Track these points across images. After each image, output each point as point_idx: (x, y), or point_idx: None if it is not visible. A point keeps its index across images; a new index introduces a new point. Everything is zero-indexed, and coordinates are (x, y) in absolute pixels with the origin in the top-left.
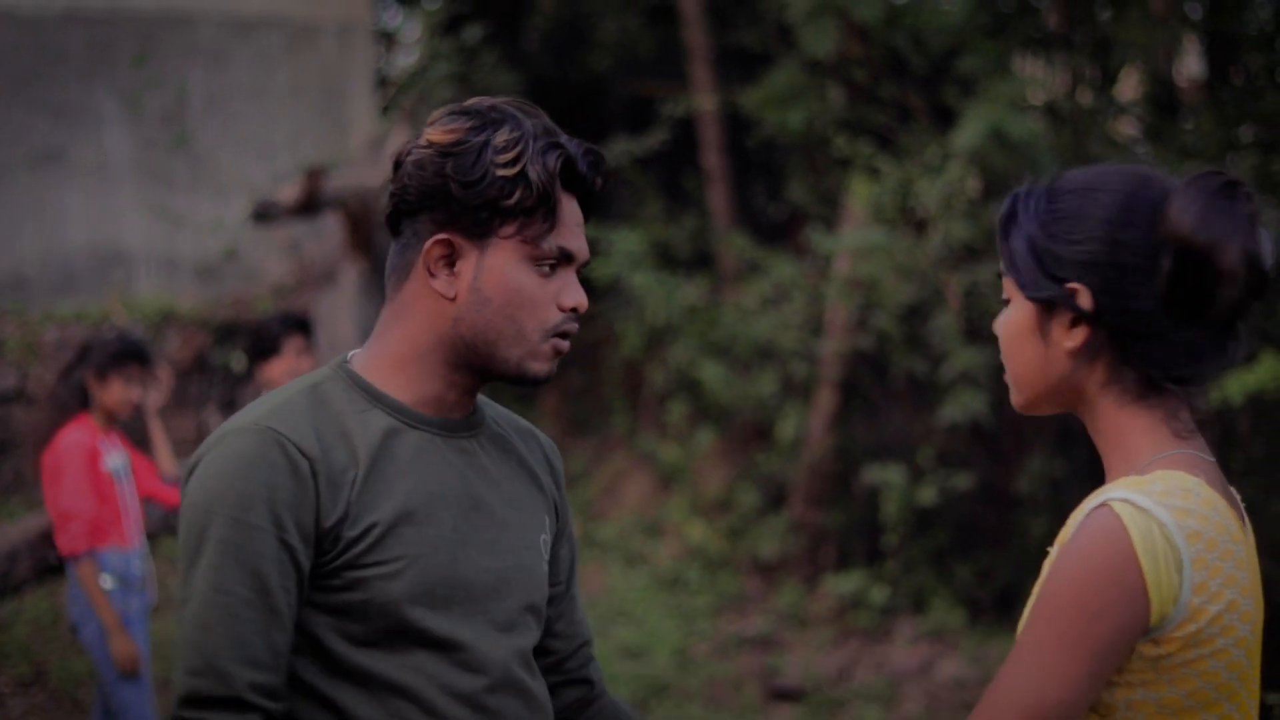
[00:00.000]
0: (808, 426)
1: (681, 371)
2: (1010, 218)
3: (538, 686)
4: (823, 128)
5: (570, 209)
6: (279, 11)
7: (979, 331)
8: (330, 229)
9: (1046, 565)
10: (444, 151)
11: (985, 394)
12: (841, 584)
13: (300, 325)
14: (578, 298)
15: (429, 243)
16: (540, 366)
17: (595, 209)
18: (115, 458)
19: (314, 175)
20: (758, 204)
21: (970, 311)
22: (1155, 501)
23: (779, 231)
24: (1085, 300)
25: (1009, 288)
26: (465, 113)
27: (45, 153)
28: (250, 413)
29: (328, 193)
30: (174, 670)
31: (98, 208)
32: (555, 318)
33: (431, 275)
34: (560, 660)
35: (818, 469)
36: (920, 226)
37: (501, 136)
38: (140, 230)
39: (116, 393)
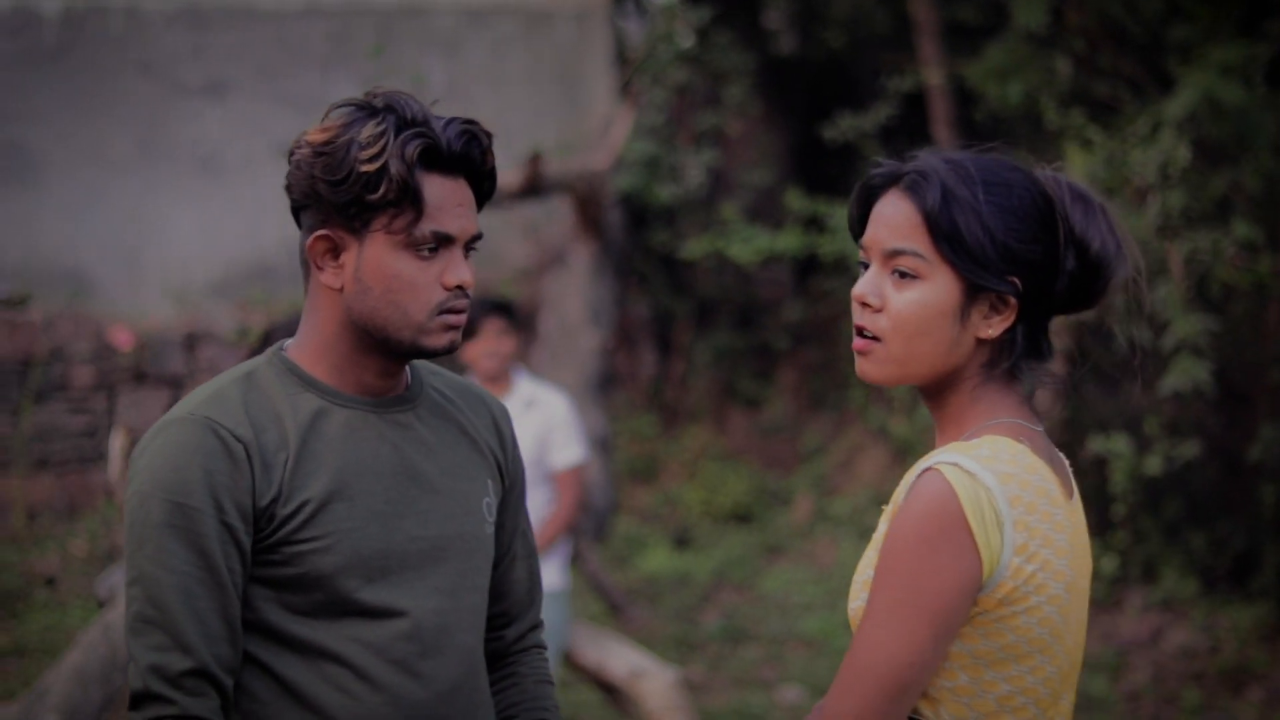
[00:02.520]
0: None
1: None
2: (949, 201)
3: (478, 648)
4: (1041, 99)
5: (446, 191)
6: None
7: (1201, 299)
8: (566, 212)
9: (879, 530)
10: (317, 151)
11: (1207, 362)
12: None
13: (499, 308)
14: (460, 276)
15: (311, 239)
16: (434, 341)
17: (485, 185)
18: None
19: (535, 160)
20: None
21: (1191, 279)
22: (980, 465)
23: None
24: (1017, 291)
25: (924, 268)
26: (346, 108)
27: (288, 143)
28: (187, 403)
29: (551, 177)
30: (131, 650)
31: None
32: (439, 297)
33: (319, 269)
34: (510, 620)
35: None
36: (1141, 196)
37: (366, 132)
38: None
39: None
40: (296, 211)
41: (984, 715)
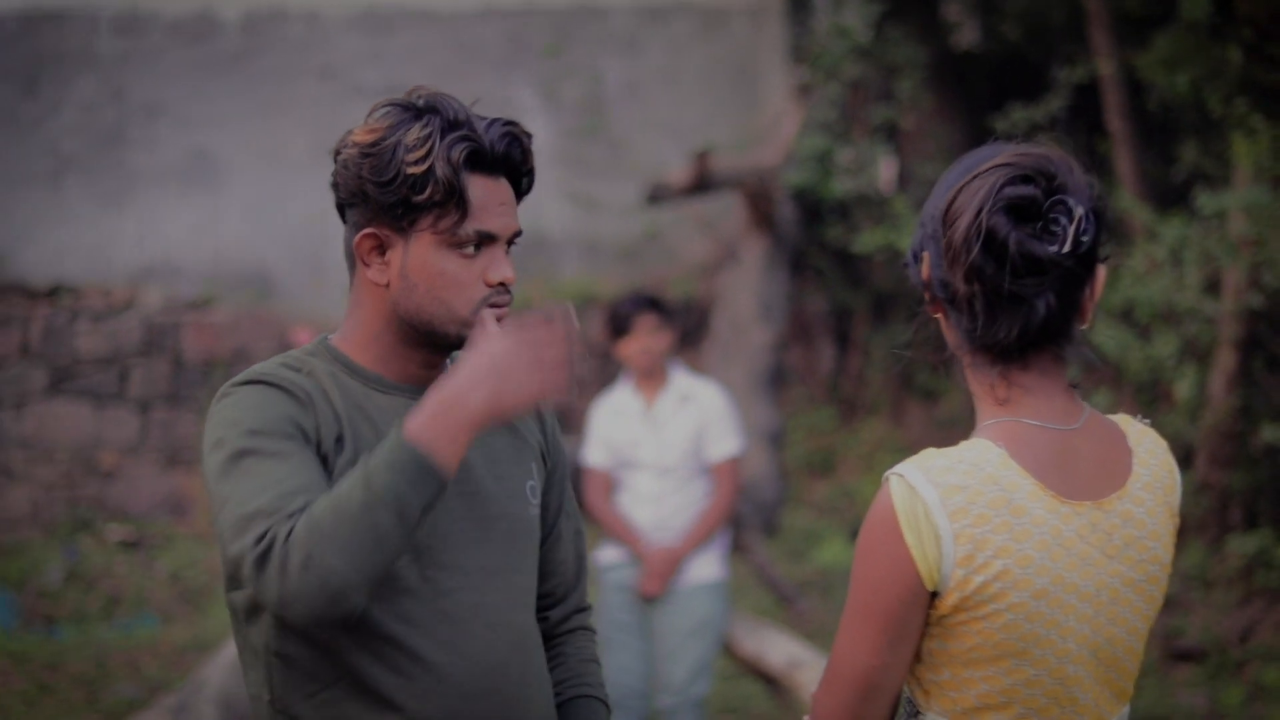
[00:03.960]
0: (1208, 387)
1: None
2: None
3: (529, 626)
4: (1209, 88)
5: (489, 191)
6: None
7: None
8: (739, 208)
9: None
10: (364, 152)
11: None
12: (1247, 544)
13: (652, 304)
14: (502, 273)
15: (358, 237)
16: None
17: (524, 183)
18: None
19: (702, 157)
20: (1158, 167)
21: None
22: (926, 479)
23: (1177, 193)
24: (925, 270)
25: None
26: (391, 108)
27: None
28: (243, 375)
29: (721, 173)
30: (226, 537)
31: None
32: (482, 293)
33: (365, 265)
34: (555, 601)
35: (1220, 429)
36: None
37: (413, 134)
38: (561, 216)
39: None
40: (341, 208)
41: (968, 710)
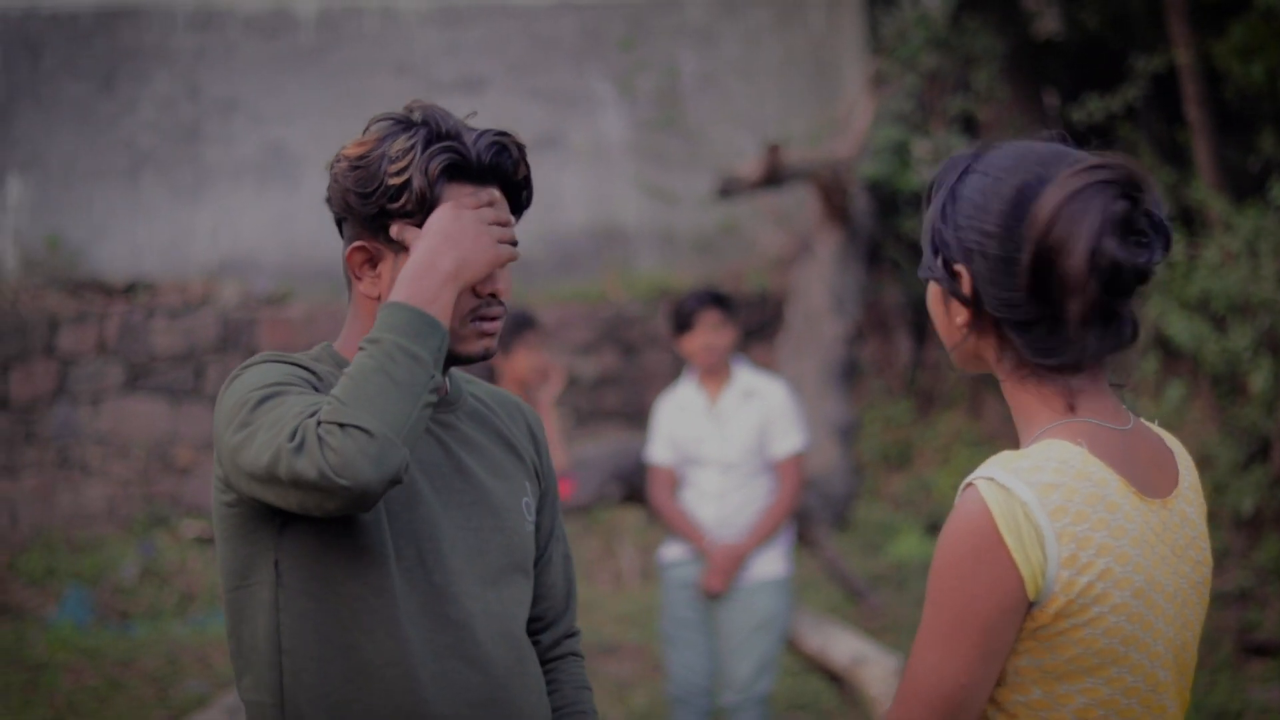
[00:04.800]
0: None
1: (1154, 326)
2: (930, 195)
3: (525, 638)
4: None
5: (486, 195)
6: None
7: None
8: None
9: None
10: (352, 165)
11: None
12: None
13: (715, 299)
14: (493, 284)
15: (349, 250)
16: (468, 347)
17: (523, 194)
18: None
19: (773, 150)
20: (1234, 157)
21: None
22: (1019, 479)
23: (1254, 184)
24: (965, 285)
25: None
26: (385, 122)
27: (542, 137)
28: (254, 357)
29: (793, 166)
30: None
31: (595, 188)
32: (471, 304)
33: (358, 279)
34: (545, 625)
35: None
36: None
37: (397, 146)
38: (637, 208)
39: (523, 361)
40: (339, 223)
41: None
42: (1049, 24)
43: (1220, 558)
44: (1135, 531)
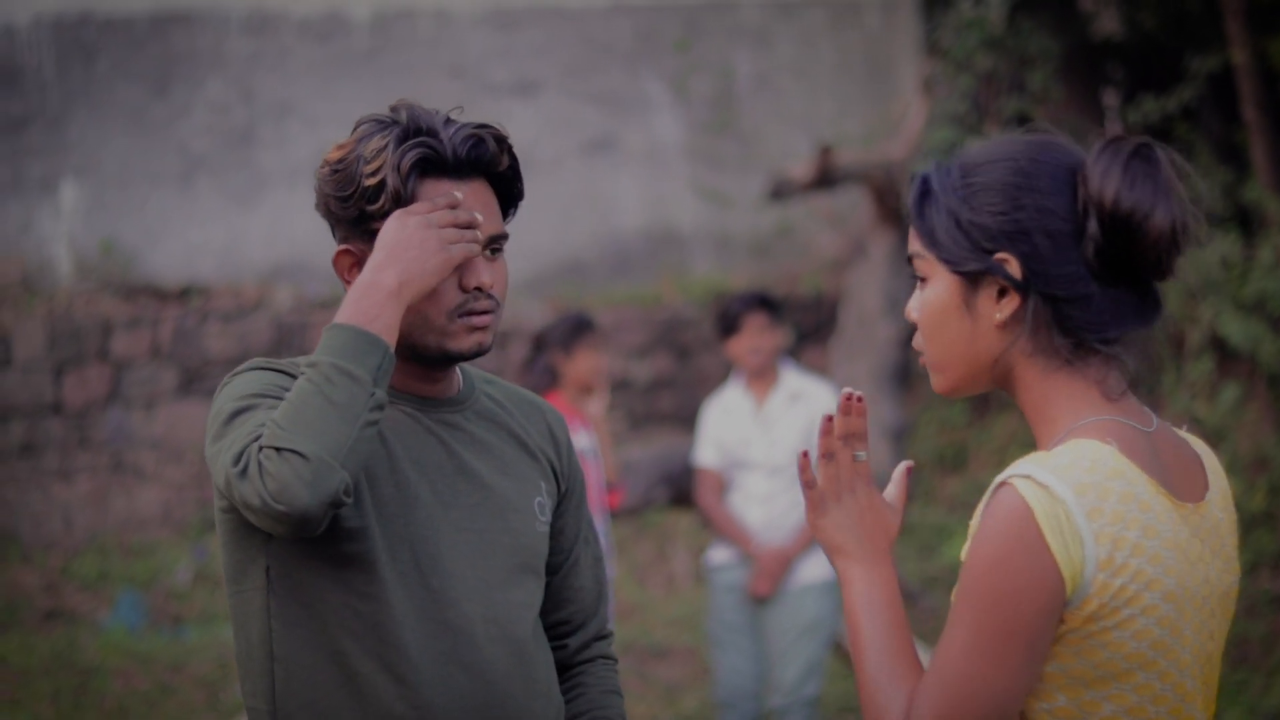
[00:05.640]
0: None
1: (1209, 328)
2: (924, 196)
3: (532, 641)
4: None
5: (449, 193)
6: None
7: None
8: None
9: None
10: (332, 169)
11: None
12: None
13: (761, 302)
14: (477, 277)
15: (335, 254)
16: (459, 344)
17: (514, 187)
18: (584, 438)
19: (825, 152)
20: None
21: None
22: (1056, 477)
23: None
24: (1015, 269)
25: (927, 267)
26: (366, 124)
27: (597, 140)
28: (248, 363)
29: (846, 168)
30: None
31: (650, 191)
32: (457, 300)
33: (346, 282)
34: (573, 629)
35: None
36: None
37: (371, 146)
38: (692, 211)
39: (585, 362)
40: (331, 228)
41: None
42: (1107, 24)
43: (1277, 560)
44: (1168, 534)
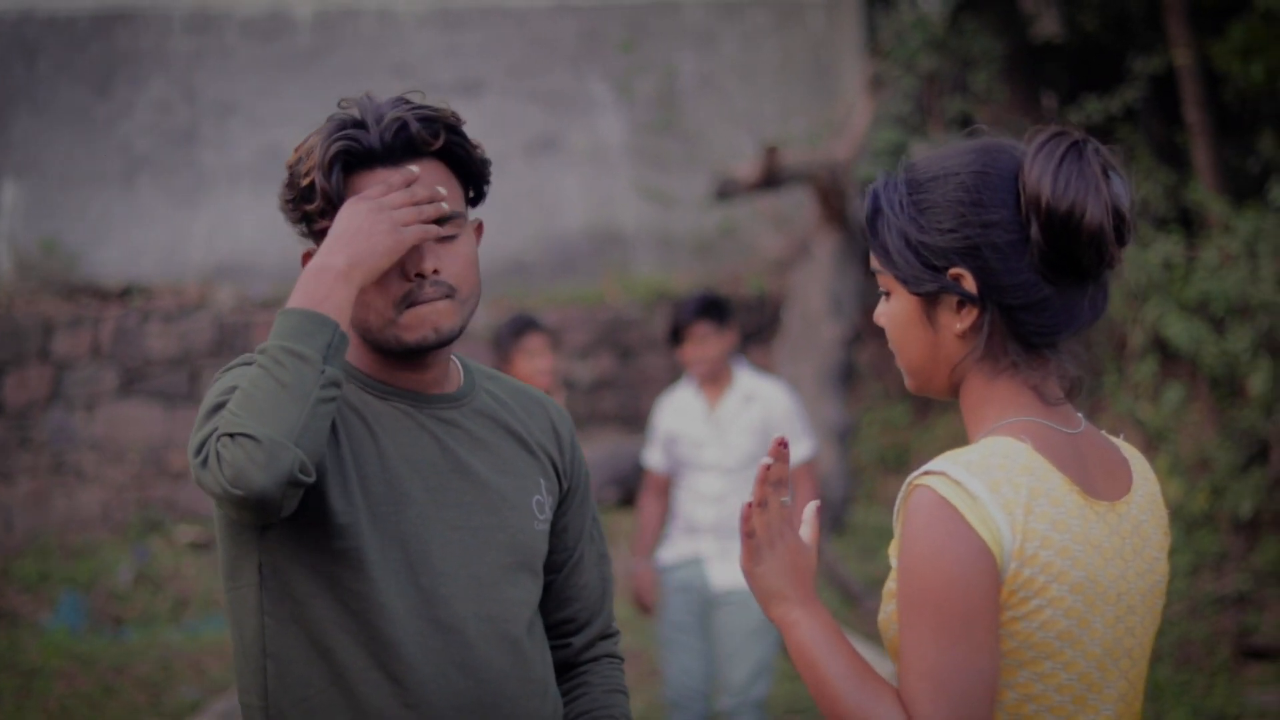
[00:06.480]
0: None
1: (1153, 329)
2: (877, 214)
3: (527, 640)
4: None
5: (404, 174)
6: None
7: None
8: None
9: (891, 552)
10: (288, 172)
11: None
12: None
13: (706, 310)
14: (419, 265)
15: (301, 257)
16: (411, 335)
17: (472, 167)
18: None
19: (771, 152)
20: (1234, 158)
21: None
22: (969, 473)
23: (1254, 185)
24: (970, 284)
25: (888, 282)
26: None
27: (541, 140)
28: (241, 358)
29: (791, 168)
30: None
31: (593, 191)
32: (401, 290)
33: None
34: (578, 627)
35: None
36: None
37: (306, 146)
38: (635, 211)
39: (522, 367)
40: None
41: None
42: (1048, 26)
43: (1219, 561)
44: (1078, 529)
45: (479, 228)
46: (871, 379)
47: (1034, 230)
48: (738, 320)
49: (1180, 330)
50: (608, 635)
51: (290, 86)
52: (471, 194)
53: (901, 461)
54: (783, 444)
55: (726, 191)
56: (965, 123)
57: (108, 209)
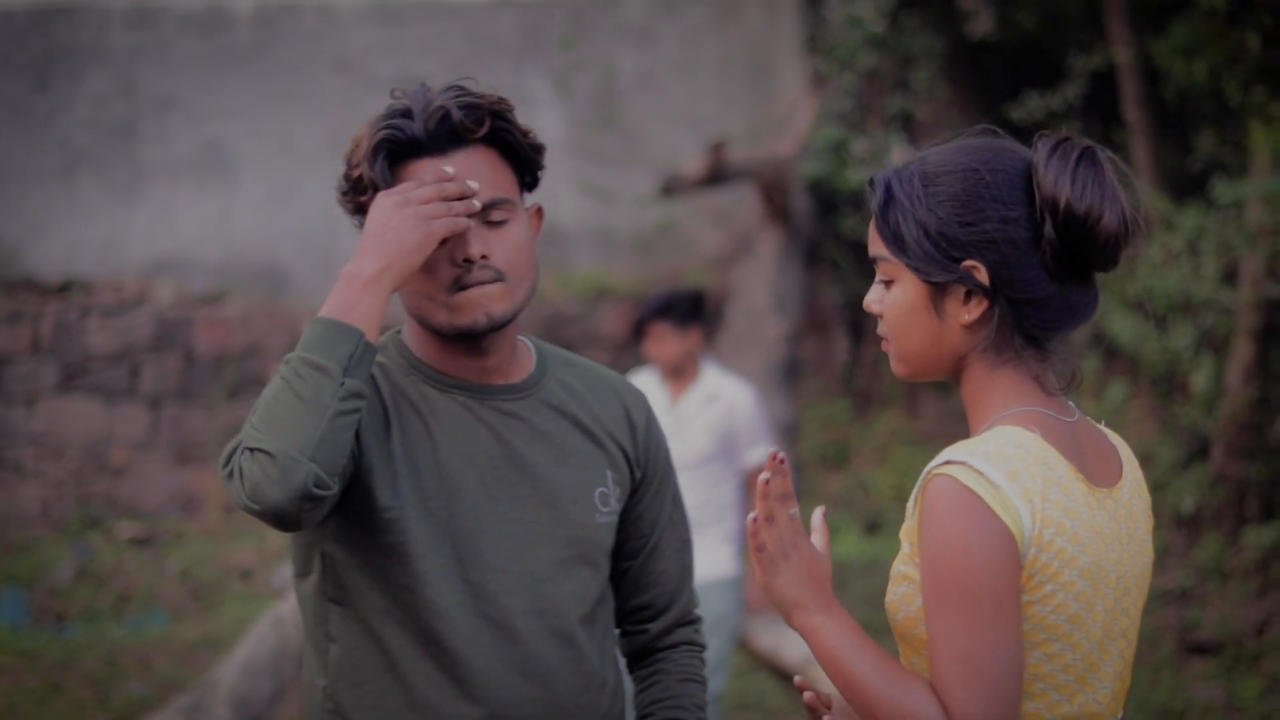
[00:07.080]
0: (1225, 378)
1: (1095, 325)
2: (890, 204)
3: (584, 635)
4: (1226, 76)
5: (436, 172)
6: None
7: None
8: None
9: (908, 522)
10: (345, 163)
11: None
12: (1263, 536)
13: (665, 310)
14: (465, 250)
15: None
16: (464, 319)
17: (524, 154)
18: None
19: (717, 149)
20: (1175, 156)
21: None
22: (988, 463)
23: (1195, 183)
24: (983, 276)
25: (892, 270)
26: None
27: None
28: None
29: (735, 165)
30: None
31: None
32: (451, 274)
33: None
34: (655, 613)
35: (1237, 420)
36: None
37: (355, 138)
38: (575, 207)
39: None
40: None
41: None
42: (983, 24)
43: (1161, 557)
44: (1085, 515)
45: (538, 212)
46: (811, 376)
47: (1049, 229)
48: (705, 319)
49: (1124, 327)
50: (687, 622)
51: (230, 81)
52: (527, 180)
53: (842, 458)
54: (778, 459)
55: (672, 188)
56: (906, 120)
57: (47, 204)
